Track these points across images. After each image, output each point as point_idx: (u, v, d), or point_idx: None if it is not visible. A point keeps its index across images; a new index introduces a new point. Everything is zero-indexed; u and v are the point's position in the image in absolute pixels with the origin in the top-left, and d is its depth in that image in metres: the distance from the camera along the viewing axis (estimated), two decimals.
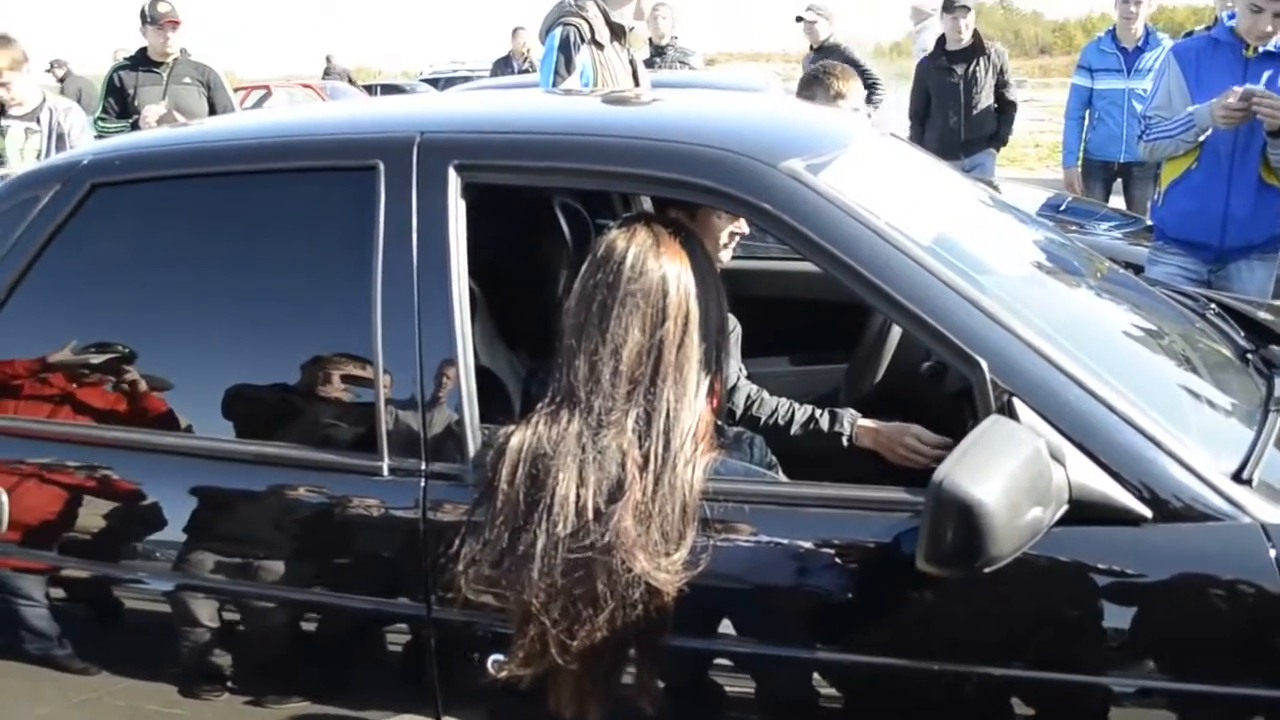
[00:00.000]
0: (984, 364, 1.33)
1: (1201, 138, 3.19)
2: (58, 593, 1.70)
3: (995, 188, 4.47)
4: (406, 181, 1.57)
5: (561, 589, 1.32)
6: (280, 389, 1.66)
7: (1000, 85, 5.91)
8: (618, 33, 3.54)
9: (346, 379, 1.59)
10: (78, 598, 1.72)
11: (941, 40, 6.06)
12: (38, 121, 4.17)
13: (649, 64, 6.30)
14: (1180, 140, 3.24)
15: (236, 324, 1.70)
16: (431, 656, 1.49)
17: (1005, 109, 5.98)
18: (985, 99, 5.88)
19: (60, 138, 4.19)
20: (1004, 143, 6.21)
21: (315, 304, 1.66)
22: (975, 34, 5.94)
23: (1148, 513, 1.27)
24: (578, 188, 2.13)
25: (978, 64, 5.86)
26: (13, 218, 1.77)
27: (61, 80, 12.46)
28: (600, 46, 3.44)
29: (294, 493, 1.57)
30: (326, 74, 15.54)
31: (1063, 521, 1.26)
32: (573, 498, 1.34)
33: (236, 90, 8.17)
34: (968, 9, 5.87)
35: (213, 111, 4.94)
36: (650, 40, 6.81)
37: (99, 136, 4.73)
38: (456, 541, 1.40)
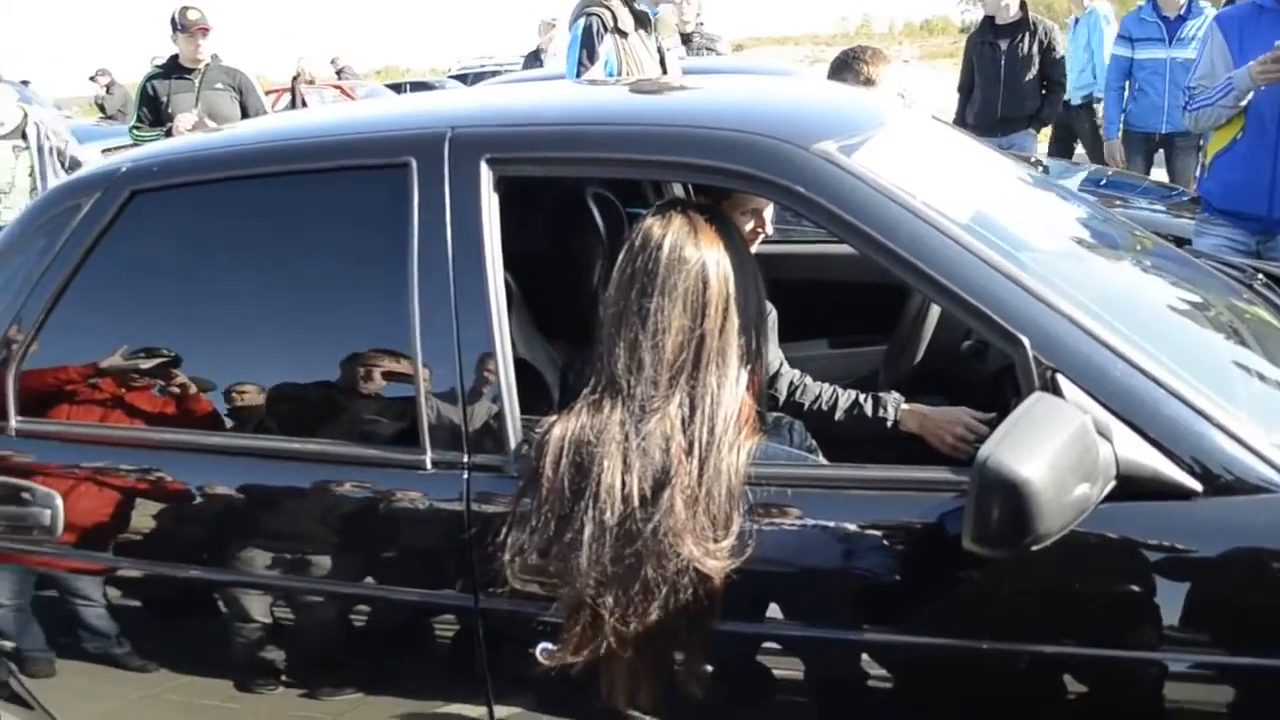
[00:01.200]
0: (1026, 341, 1.31)
1: (1243, 101, 3.11)
2: (113, 592, 1.74)
3: (1043, 166, 4.39)
4: (439, 177, 1.58)
5: (612, 576, 1.32)
6: (322, 386, 1.68)
7: (1046, 63, 5.71)
8: (642, 20, 3.54)
9: (387, 375, 1.61)
10: (132, 596, 1.75)
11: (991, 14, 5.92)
12: (24, 138, 4.20)
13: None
14: (1220, 106, 3.16)
15: (276, 324, 1.72)
16: (480, 646, 1.50)
17: (1052, 89, 5.79)
18: (1028, 76, 5.70)
19: (53, 151, 4.22)
20: (1044, 123, 6.03)
21: (353, 301, 1.68)
22: (1023, 7, 5.79)
23: (1198, 486, 1.25)
24: (610, 177, 2.13)
25: (1022, 40, 5.69)
26: (55, 226, 1.80)
27: (107, 90, 12.65)
28: (624, 35, 3.44)
29: (340, 488, 1.58)
30: (339, 75, 15.32)
31: (1111, 497, 1.24)
32: (619, 485, 1.35)
33: (267, 93, 8.26)
34: None
35: (245, 115, 4.99)
36: (675, 27, 6.77)
37: (135, 146, 4.80)
38: (502, 532, 1.41)
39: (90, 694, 1.80)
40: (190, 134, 4.55)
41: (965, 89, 6.04)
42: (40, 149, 4.21)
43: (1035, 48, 5.72)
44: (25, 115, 4.30)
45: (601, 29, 3.42)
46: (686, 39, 6.65)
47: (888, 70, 3.10)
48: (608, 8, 3.46)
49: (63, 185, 1.96)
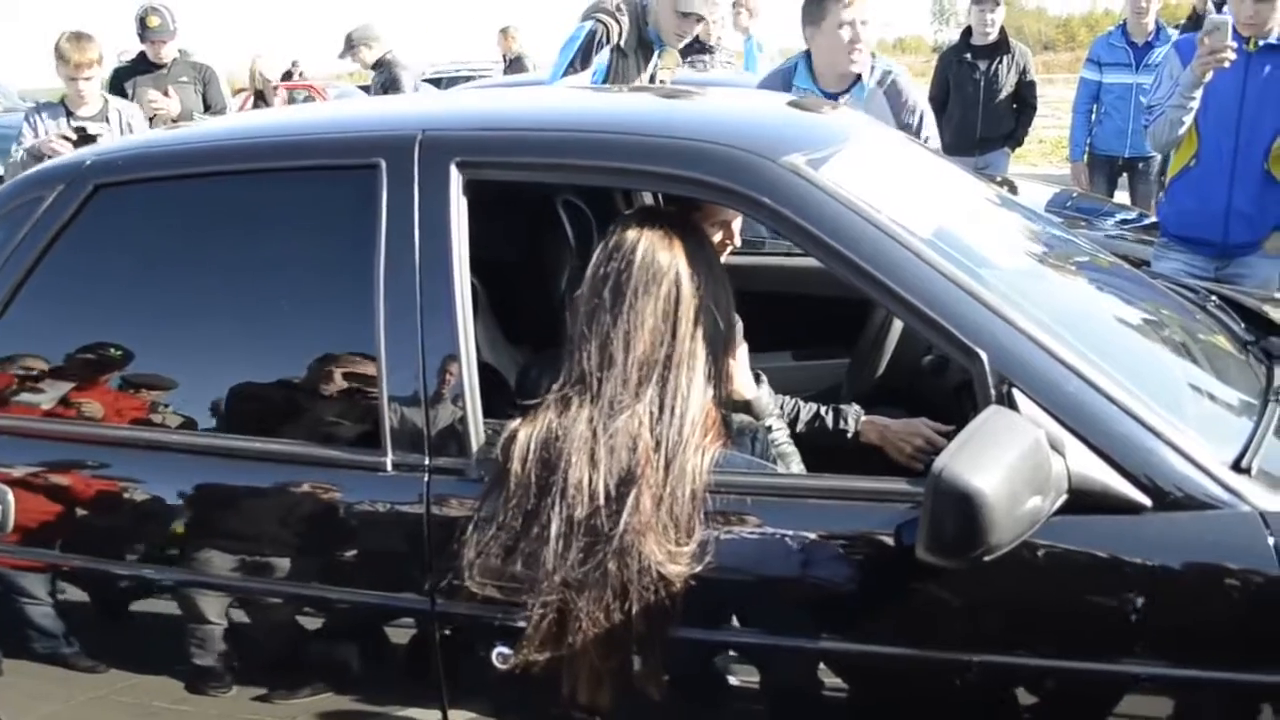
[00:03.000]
0: (984, 356, 1.34)
1: (1192, 103, 3.11)
2: (63, 591, 1.72)
3: (1012, 185, 4.46)
4: (408, 179, 1.58)
5: (580, 574, 1.33)
6: (284, 386, 1.67)
7: (1021, 85, 5.82)
8: (645, 46, 3.51)
9: (349, 376, 1.60)
10: (83, 596, 1.73)
11: (967, 33, 5.97)
12: (107, 121, 4.33)
13: (696, 63, 6.17)
14: (1170, 107, 3.16)
15: (240, 322, 1.70)
16: (436, 650, 1.50)
17: (1024, 110, 5.89)
18: (1004, 97, 5.78)
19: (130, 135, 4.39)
20: (1019, 143, 6.11)
21: (318, 302, 1.67)
22: (1003, 31, 5.84)
23: (1147, 501, 1.28)
24: (579, 184, 2.14)
25: (1000, 61, 5.76)
26: (18, 217, 1.78)
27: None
28: (624, 55, 3.42)
29: (298, 489, 1.57)
30: (299, 77, 14.60)
31: (1062, 511, 1.26)
32: (586, 481, 1.35)
33: (238, 92, 8.23)
34: (997, 3, 5.75)
35: (206, 106, 5.21)
36: (697, 38, 6.62)
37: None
38: (461, 535, 1.41)
39: (39, 694, 1.77)
40: (158, 103, 4.80)
41: (938, 107, 6.07)
42: (121, 134, 4.35)
43: (1012, 70, 5.80)
44: (106, 101, 4.43)
45: (604, 39, 3.40)
46: (709, 50, 6.55)
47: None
48: (618, 22, 3.43)
49: (26, 177, 1.94)
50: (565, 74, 3.42)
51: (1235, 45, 2.98)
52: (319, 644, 1.61)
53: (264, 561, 1.58)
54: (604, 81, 3.38)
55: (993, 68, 5.77)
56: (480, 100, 2.63)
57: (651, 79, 3.60)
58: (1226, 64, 2.98)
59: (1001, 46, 5.81)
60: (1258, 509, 1.27)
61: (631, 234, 1.48)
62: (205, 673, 1.64)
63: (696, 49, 6.47)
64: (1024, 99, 5.86)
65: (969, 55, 5.87)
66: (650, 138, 1.61)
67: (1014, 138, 5.97)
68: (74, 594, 1.73)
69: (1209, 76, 3.04)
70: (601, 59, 3.39)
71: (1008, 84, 5.78)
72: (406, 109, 2.33)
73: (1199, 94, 3.09)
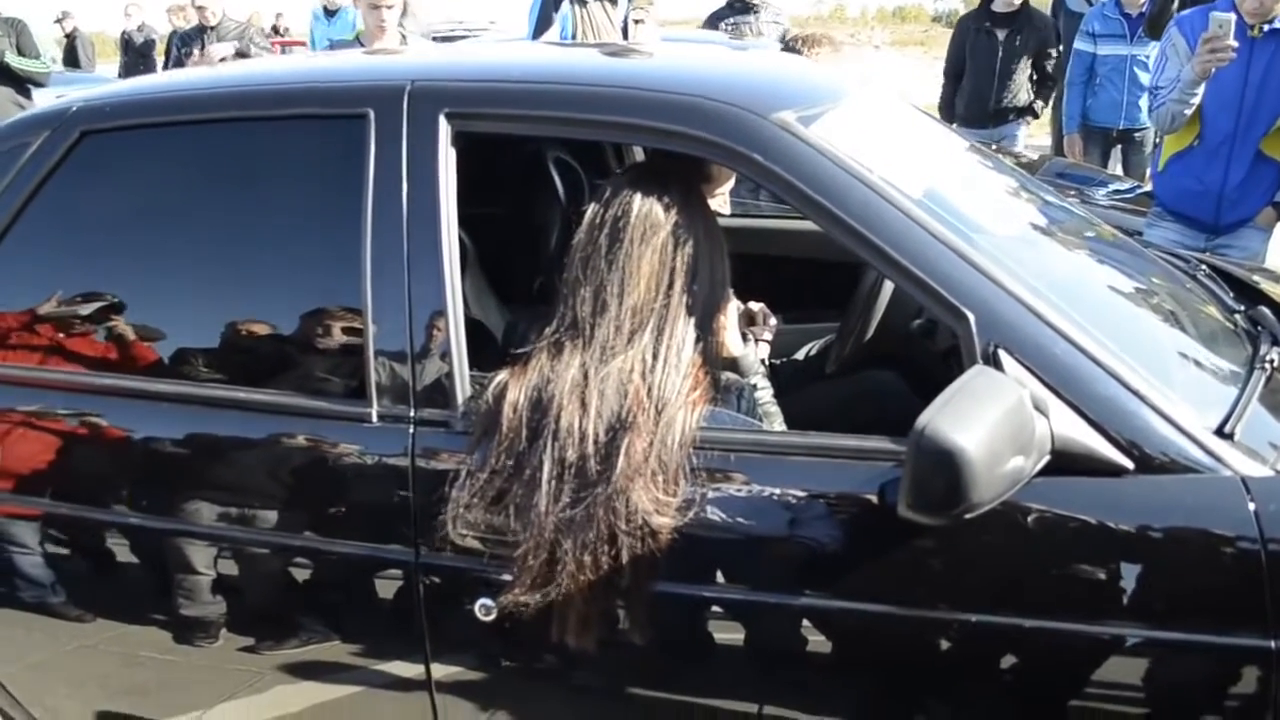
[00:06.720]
0: (971, 316, 1.33)
1: (1192, 97, 3.13)
2: (49, 540, 1.72)
3: (1019, 157, 4.41)
4: (397, 130, 1.56)
5: (569, 517, 1.34)
6: (270, 337, 1.66)
7: (1041, 57, 5.61)
8: None
9: (336, 327, 1.59)
10: (69, 545, 1.73)
11: None
12: None
13: (739, 24, 5.98)
14: (1172, 102, 3.19)
15: (226, 272, 1.69)
16: (420, 601, 1.50)
17: (1044, 82, 5.69)
18: (1022, 69, 5.58)
19: None
20: (1036, 116, 5.91)
21: (305, 252, 1.66)
22: (1025, 1, 5.65)
23: (1130, 464, 1.28)
24: (567, 137, 2.12)
25: (1020, 31, 5.55)
26: (2, 164, 1.76)
27: (68, 36, 12.28)
28: (583, 2, 3.44)
29: (283, 439, 1.57)
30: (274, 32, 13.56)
31: (1046, 471, 1.27)
32: (576, 424, 1.36)
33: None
34: None
35: (20, 53, 5.94)
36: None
37: None
38: (447, 486, 1.41)
39: (24, 643, 1.78)
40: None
41: (953, 75, 5.85)
42: None
43: (1033, 40, 5.59)
44: (404, 38, 4.07)
45: None
46: (751, 9, 6.32)
47: (830, 54, 3.07)
48: None
49: (11, 123, 1.92)
50: (537, 34, 3.43)
51: (1236, 45, 2.98)
52: (304, 594, 1.61)
53: (249, 511, 1.58)
54: (571, 33, 3.39)
55: (1011, 37, 5.55)
56: (471, 52, 2.60)
57: (625, 20, 3.59)
58: (1227, 62, 2.99)
59: (1023, 15, 5.60)
60: (1239, 474, 1.28)
61: (629, 186, 1.48)
62: (190, 622, 1.64)
63: (739, 8, 6.18)
64: (1044, 70, 5.66)
65: (988, 23, 5.65)
66: (640, 91, 1.60)
67: (1031, 110, 5.75)
68: (58, 542, 1.73)
69: (1206, 76, 3.06)
70: (562, 13, 3.40)
71: (1026, 55, 5.56)
72: (397, 60, 2.30)
73: (1201, 89, 3.10)
